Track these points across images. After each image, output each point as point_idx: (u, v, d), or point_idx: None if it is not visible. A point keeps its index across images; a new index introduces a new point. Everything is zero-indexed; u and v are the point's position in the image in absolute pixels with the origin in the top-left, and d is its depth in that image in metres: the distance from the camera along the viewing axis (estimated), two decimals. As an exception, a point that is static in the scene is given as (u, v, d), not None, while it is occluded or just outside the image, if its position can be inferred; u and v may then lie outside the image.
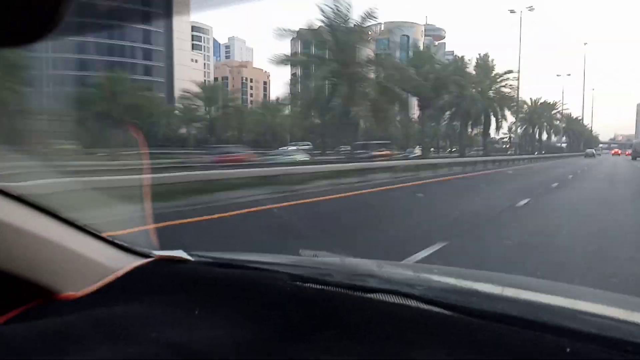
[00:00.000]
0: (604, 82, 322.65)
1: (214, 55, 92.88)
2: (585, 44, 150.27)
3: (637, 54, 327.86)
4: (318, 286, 0.93)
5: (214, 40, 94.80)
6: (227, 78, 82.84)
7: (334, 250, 1.14)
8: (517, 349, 0.70)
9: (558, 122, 68.94)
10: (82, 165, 15.36)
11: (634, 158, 52.62)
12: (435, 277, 1.13)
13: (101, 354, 0.75)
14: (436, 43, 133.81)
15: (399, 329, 0.79)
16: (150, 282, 1.00)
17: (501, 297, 0.96)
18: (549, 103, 65.36)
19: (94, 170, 14.02)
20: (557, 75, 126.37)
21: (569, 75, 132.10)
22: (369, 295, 0.87)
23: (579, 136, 79.20)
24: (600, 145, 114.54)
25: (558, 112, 68.30)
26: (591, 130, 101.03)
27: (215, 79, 75.99)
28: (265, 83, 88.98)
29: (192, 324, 0.86)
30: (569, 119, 71.50)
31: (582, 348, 0.66)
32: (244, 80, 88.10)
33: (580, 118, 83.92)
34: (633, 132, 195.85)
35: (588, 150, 66.65)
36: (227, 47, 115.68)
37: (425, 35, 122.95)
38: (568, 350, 0.66)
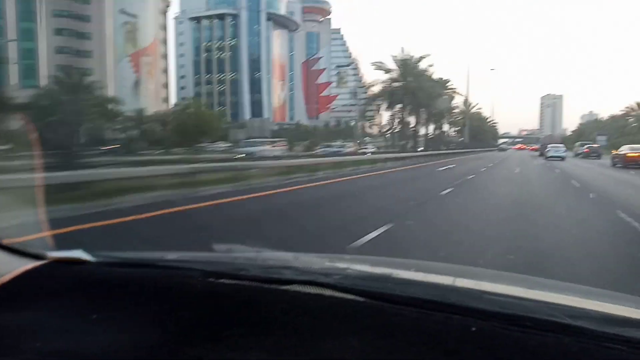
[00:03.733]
0: (507, 75, 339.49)
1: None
2: (492, 69, 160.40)
3: (540, 46, 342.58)
4: (232, 281, 0.91)
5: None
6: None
7: (248, 243, 1.13)
8: (428, 330, 0.74)
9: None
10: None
11: (541, 154, 43.51)
12: (352, 266, 1.13)
13: None
14: (321, 19, 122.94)
15: (312, 320, 0.80)
16: (42, 286, 0.93)
17: (413, 281, 0.97)
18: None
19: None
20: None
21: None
22: (284, 287, 0.87)
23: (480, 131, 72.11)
24: (503, 141, 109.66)
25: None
26: (494, 126, 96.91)
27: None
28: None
29: (87, 330, 0.81)
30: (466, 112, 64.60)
31: (486, 326, 0.71)
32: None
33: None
34: (538, 126, 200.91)
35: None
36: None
37: (305, 12, 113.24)
38: (473, 329, 0.71)
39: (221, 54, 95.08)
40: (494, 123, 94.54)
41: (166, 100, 78.60)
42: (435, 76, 44.97)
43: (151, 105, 60.41)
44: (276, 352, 0.75)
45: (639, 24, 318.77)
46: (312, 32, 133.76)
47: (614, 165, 25.43)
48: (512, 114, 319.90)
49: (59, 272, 0.98)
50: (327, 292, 0.83)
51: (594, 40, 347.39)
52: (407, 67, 40.74)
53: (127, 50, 67.66)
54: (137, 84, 67.47)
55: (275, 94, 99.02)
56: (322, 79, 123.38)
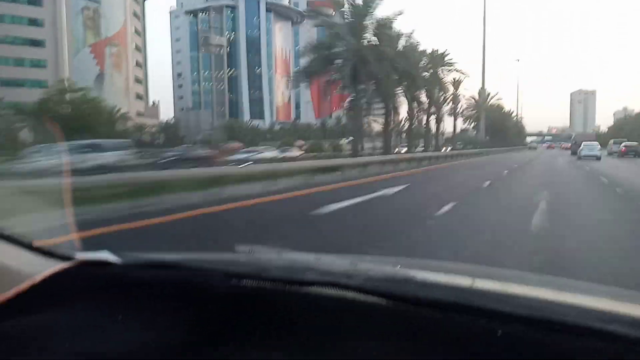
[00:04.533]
0: (537, 72, 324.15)
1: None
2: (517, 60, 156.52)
3: (569, 42, 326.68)
4: (254, 282, 0.90)
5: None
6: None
7: (269, 244, 1.11)
8: (452, 334, 0.72)
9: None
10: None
11: (574, 153, 38.72)
12: (374, 267, 1.11)
13: None
14: (333, 12, 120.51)
15: (334, 321, 0.80)
16: (70, 287, 0.94)
17: (436, 283, 0.95)
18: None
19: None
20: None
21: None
22: (305, 288, 0.85)
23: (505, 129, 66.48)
24: (532, 139, 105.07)
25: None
26: (520, 122, 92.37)
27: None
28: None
29: (113, 330, 0.84)
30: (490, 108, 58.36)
31: (512, 329, 0.69)
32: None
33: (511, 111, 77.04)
34: (567, 124, 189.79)
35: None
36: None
37: (316, 5, 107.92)
38: (499, 333, 0.68)
39: (220, 49, 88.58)
40: (520, 118, 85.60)
41: (141, 97, 72.04)
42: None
43: (121, 102, 53.68)
44: (298, 353, 0.79)
45: None
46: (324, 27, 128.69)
47: None
48: (541, 111, 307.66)
49: (85, 273, 0.99)
50: (349, 294, 0.82)
51: (624, 32, 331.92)
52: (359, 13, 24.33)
53: (87, 40, 60.05)
54: (99, 78, 59.95)
55: (279, 91, 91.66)
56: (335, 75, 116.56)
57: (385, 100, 25.70)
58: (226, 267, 0.99)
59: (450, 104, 42.43)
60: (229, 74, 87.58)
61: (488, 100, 57.49)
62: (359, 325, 0.78)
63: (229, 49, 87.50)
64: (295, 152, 32.79)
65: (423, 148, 37.32)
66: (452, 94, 41.29)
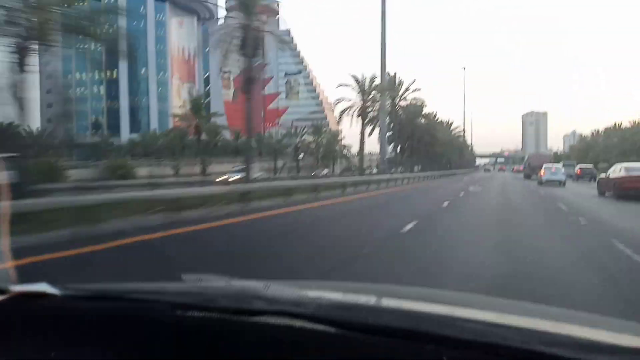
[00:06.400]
0: (486, 95, 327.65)
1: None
2: (464, 68, 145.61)
3: (516, 65, 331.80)
4: (201, 313, 0.88)
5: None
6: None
7: (218, 272, 1.10)
8: None
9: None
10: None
11: (527, 176, 38.08)
12: (324, 294, 1.10)
13: None
14: (265, 18, 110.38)
15: (283, 352, 0.79)
16: (4, 322, 0.90)
17: (386, 309, 0.96)
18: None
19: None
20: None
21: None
22: (254, 318, 0.84)
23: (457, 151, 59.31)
24: (484, 161, 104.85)
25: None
26: (469, 146, 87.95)
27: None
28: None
29: None
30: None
31: (459, 355, 0.70)
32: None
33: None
34: (520, 146, 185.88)
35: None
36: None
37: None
38: (444, 359, 0.70)
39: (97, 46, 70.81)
40: (459, 132, 69.73)
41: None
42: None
43: None
44: None
45: (621, 40, 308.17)
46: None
47: (601, 193, 18.14)
48: (494, 133, 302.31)
49: (21, 307, 0.94)
50: (298, 323, 0.81)
51: (576, 54, 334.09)
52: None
53: None
54: None
55: (178, 99, 74.14)
56: (268, 89, 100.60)
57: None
58: (172, 297, 0.95)
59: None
60: (108, 76, 69.90)
61: (401, 93, 39.74)
62: (308, 354, 0.77)
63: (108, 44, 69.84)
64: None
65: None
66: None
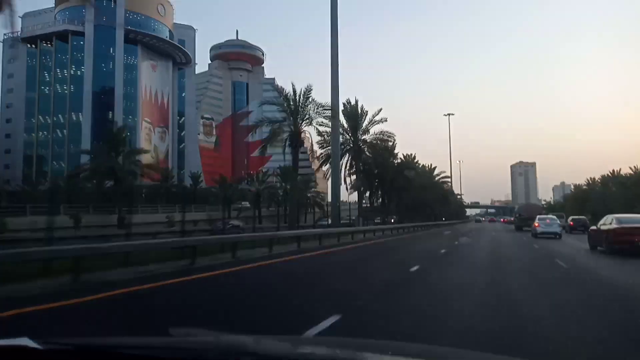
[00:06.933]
0: (474, 147, 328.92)
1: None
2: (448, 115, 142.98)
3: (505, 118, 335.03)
4: None
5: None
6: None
7: (208, 326, 1.08)
8: None
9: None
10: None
11: (519, 228, 36.61)
12: (314, 350, 1.06)
13: None
14: (250, 67, 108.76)
15: None
16: None
17: None
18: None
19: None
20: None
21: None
22: None
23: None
24: (475, 211, 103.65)
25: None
26: (458, 194, 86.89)
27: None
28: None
29: None
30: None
31: None
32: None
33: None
34: (510, 197, 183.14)
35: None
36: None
37: (231, 59, 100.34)
38: None
39: (63, 88, 67.44)
40: (446, 179, 65.02)
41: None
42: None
43: None
44: None
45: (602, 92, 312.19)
46: (241, 82, 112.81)
47: (593, 247, 16.49)
48: (483, 184, 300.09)
49: None
50: None
51: (565, 108, 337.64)
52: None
53: None
54: None
55: (149, 143, 69.91)
56: (252, 136, 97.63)
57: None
58: (159, 352, 0.92)
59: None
60: (73, 119, 66.11)
61: (365, 124, 33.68)
62: None
63: (72, 87, 66.39)
64: None
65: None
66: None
